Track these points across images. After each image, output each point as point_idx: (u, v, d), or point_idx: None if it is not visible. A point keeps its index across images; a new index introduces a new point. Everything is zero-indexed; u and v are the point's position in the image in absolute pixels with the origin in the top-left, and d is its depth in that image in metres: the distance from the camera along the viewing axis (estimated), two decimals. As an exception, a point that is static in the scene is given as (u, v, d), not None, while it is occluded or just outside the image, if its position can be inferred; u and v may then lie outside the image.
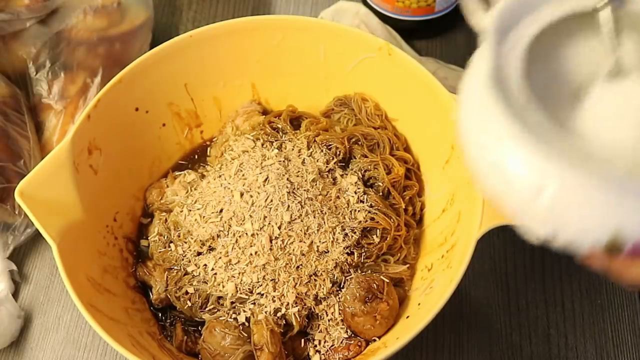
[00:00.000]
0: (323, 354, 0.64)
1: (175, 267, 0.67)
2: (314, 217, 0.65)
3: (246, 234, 0.64)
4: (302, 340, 0.65)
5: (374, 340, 0.64)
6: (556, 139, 0.35)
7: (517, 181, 0.36)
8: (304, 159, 0.69)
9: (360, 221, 0.66)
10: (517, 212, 0.37)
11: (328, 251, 0.64)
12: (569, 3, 0.42)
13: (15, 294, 0.75)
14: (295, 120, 0.74)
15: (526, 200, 0.36)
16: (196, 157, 0.78)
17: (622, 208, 0.34)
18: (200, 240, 0.66)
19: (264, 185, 0.65)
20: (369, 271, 0.66)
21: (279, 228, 0.64)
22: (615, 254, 0.35)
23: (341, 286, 0.65)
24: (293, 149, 0.70)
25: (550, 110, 0.40)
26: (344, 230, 0.65)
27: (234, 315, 0.63)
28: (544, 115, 0.36)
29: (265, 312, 0.62)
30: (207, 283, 0.65)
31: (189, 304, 0.65)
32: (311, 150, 0.70)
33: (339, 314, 0.64)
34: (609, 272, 0.38)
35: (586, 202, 0.34)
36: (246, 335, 0.62)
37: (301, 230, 0.64)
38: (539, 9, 0.42)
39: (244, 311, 0.63)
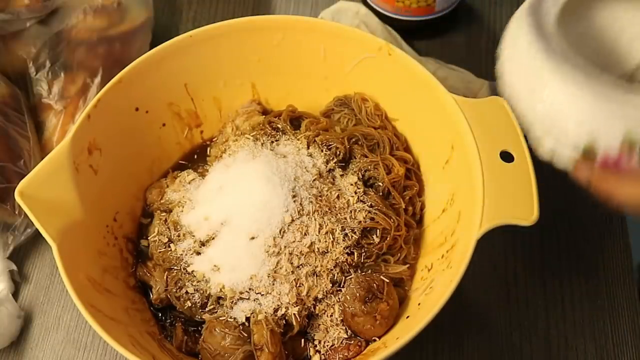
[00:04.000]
0: (323, 354, 0.64)
1: (175, 267, 0.67)
2: (314, 218, 0.64)
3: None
4: (302, 340, 0.65)
5: (374, 340, 0.64)
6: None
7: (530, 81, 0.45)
8: (303, 159, 0.69)
9: (360, 221, 0.66)
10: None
11: (328, 251, 0.64)
12: None
13: (15, 294, 0.75)
14: (295, 120, 0.74)
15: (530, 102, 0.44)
16: (196, 157, 0.78)
17: (597, 115, 0.39)
18: (200, 240, 0.66)
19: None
20: (369, 271, 0.66)
21: (279, 228, 0.64)
22: (591, 160, 0.40)
23: (341, 286, 0.65)
24: (293, 149, 0.70)
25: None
26: (344, 230, 0.65)
27: (234, 315, 0.63)
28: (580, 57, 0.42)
29: (265, 312, 0.62)
30: (207, 283, 0.65)
31: (189, 304, 0.65)
32: (311, 150, 0.70)
33: (339, 313, 0.64)
34: (597, 189, 0.42)
35: (570, 106, 0.40)
36: (246, 335, 0.62)
37: (301, 231, 0.64)
38: None
39: (244, 311, 0.63)
